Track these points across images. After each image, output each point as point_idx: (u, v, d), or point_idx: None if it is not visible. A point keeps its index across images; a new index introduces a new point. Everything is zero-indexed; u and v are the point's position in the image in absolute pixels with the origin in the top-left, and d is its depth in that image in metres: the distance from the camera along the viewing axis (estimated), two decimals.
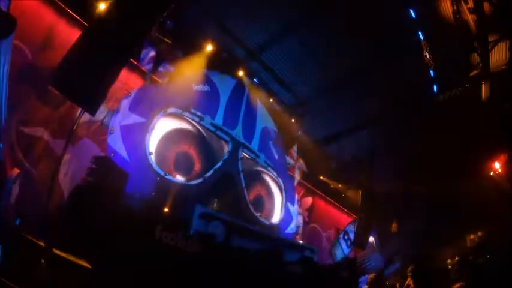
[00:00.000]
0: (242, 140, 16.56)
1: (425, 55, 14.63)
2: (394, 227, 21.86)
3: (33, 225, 8.01)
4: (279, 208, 17.99)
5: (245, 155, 16.73)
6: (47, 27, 10.85)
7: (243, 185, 16.07)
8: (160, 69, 13.99)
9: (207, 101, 15.31)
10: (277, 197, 18.18)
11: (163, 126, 13.83)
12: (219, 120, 15.59)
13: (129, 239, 7.86)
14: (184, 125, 14.61)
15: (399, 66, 15.80)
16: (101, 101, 9.95)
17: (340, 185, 23.24)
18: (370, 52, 15.76)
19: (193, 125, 14.84)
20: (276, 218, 17.69)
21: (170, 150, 14.05)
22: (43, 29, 10.77)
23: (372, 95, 17.62)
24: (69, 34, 10.88)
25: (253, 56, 17.05)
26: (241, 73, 17.09)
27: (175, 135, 14.32)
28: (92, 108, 9.80)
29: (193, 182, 14.19)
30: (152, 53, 13.66)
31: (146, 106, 13.12)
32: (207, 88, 15.44)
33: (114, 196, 8.90)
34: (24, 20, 9.75)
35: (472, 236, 18.49)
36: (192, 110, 14.61)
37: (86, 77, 9.14)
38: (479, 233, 18.48)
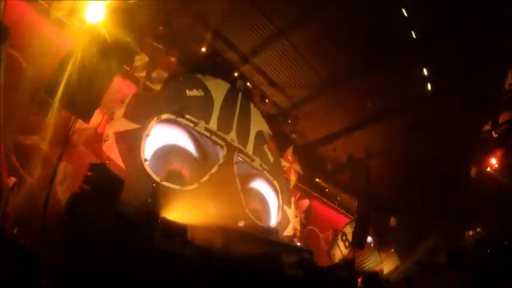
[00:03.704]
0: (237, 144, 16.57)
1: None
2: (392, 221, 21.94)
3: (30, 234, 8.00)
4: (275, 211, 18.01)
5: (240, 159, 16.74)
6: (40, 35, 10.84)
7: (239, 189, 16.08)
8: (154, 75, 13.99)
9: (201, 106, 15.33)
10: (274, 200, 18.19)
11: (157, 132, 13.84)
12: (213, 125, 15.60)
13: (127, 246, 7.86)
14: (178, 131, 14.63)
15: (394, 66, 15.87)
16: (94, 108, 9.99)
17: (335, 188, 23.35)
18: (364, 52, 15.82)
19: (188, 131, 14.85)
20: (273, 221, 17.71)
21: (165, 156, 14.07)
22: (37, 37, 10.76)
23: (366, 95, 17.69)
24: (63, 41, 10.87)
25: (246, 59, 17.09)
26: (234, 76, 17.14)
27: (169, 141, 14.35)
28: (85, 115, 9.83)
29: (189, 188, 14.19)
30: (145, 60, 13.67)
31: (140, 112, 13.14)
32: (200, 93, 15.46)
33: (110, 203, 8.90)
34: (18, 29, 9.75)
35: (471, 233, 18.55)
36: (186, 116, 14.62)
37: (79, 84, 9.16)
38: (478, 229, 18.53)
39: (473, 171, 18.26)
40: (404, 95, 17.24)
